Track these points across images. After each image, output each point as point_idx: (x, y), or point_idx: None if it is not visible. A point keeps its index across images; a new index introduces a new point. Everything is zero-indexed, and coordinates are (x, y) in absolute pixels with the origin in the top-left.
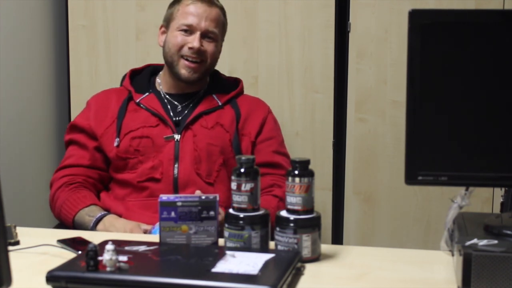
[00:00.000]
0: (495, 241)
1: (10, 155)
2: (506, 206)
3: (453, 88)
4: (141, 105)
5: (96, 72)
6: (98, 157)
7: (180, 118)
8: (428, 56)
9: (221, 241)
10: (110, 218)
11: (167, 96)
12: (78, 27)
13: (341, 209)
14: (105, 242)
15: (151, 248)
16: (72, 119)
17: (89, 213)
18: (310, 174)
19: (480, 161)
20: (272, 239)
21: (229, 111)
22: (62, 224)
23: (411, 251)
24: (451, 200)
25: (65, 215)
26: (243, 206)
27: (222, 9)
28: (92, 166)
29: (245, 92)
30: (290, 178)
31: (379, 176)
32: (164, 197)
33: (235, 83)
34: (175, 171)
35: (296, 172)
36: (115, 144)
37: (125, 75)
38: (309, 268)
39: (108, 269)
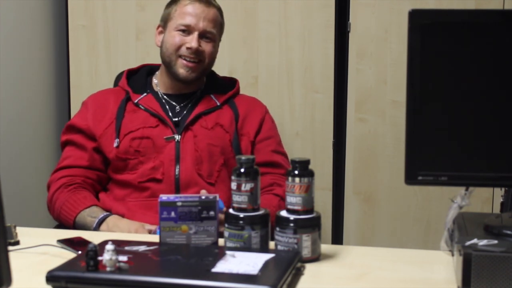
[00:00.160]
0: (495, 241)
1: (10, 155)
2: (506, 206)
3: (453, 88)
4: (140, 106)
5: (96, 72)
6: (96, 158)
7: (179, 118)
8: (428, 56)
9: (221, 241)
10: (114, 219)
11: (164, 97)
12: (78, 27)
13: (341, 209)
14: (105, 242)
15: (151, 248)
16: None
17: (91, 214)
18: (310, 174)
19: (480, 161)
20: (272, 239)
21: (227, 111)
22: (62, 225)
23: (411, 251)
24: (451, 200)
25: (65, 216)
26: (243, 206)
27: (219, 10)
28: (91, 167)
29: (246, 92)
30: (290, 178)
31: (379, 176)
32: (164, 197)
33: (231, 83)
34: (176, 172)
35: (296, 172)
36: (115, 144)
37: (119, 75)
38: (309, 268)
39: (108, 269)
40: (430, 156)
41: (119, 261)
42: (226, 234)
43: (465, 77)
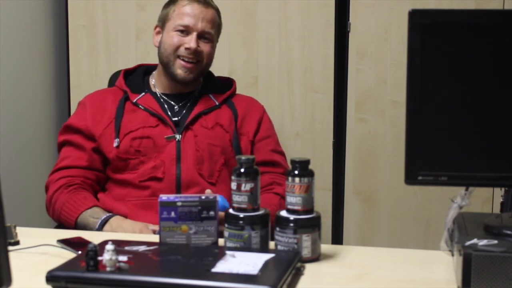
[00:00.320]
0: (495, 241)
1: (10, 155)
2: (506, 206)
3: (453, 88)
4: (139, 106)
5: (96, 72)
6: (96, 158)
7: (179, 118)
8: (428, 56)
9: (221, 241)
10: (117, 220)
11: (163, 96)
12: (78, 27)
13: (341, 209)
14: (105, 242)
15: (151, 248)
16: None
17: (93, 215)
18: (310, 174)
19: (480, 161)
20: (272, 239)
21: (226, 111)
22: (63, 225)
23: (411, 251)
24: (451, 200)
25: (66, 217)
26: (243, 206)
27: (217, 10)
28: (90, 167)
29: (246, 92)
30: (290, 178)
31: (379, 176)
32: (164, 197)
33: (228, 83)
34: (177, 171)
35: (296, 172)
36: (115, 144)
37: (113, 75)
38: (309, 268)
39: (108, 269)
40: (430, 156)
41: (119, 261)
42: (226, 234)
43: (465, 77)
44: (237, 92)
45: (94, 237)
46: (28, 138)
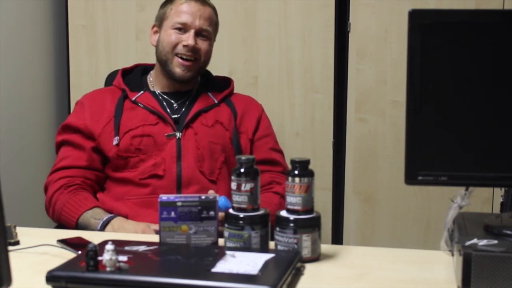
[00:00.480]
0: (495, 241)
1: (10, 155)
2: (506, 206)
3: (453, 88)
4: (139, 104)
5: (96, 72)
6: (95, 158)
7: (178, 116)
8: (428, 56)
9: (221, 241)
10: (119, 221)
11: (161, 94)
12: (78, 27)
13: (341, 209)
14: (105, 242)
15: (151, 248)
16: None
17: (94, 215)
18: (310, 174)
19: (480, 161)
20: (272, 239)
21: (225, 109)
22: (63, 225)
23: (411, 251)
24: (451, 200)
25: (67, 218)
26: (243, 206)
27: (214, 9)
28: (90, 167)
29: (246, 92)
30: (290, 178)
31: (379, 176)
32: (164, 197)
33: (226, 82)
34: (178, 169)
35: (296, 172)
36: (115, 142)
37: (110, 75)
38: (309, 268)
39: (108, 269)
40: (430, 156)
41: (119, 261)
42: (226, 234)
43: (465, 77)
44: (237, 91)
45: (94, 237)
46: (28, 138)
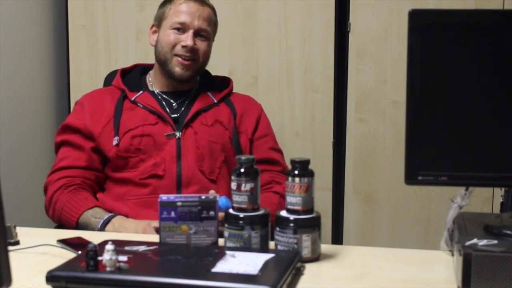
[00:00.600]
0: (495, 241)
1: (10, 155)
2: (506, 206)
3: (453, 88)
4: (138, 104)
5: (96, 72)
6: (95, 158)
7: (178, 115)
8: (428, 56)
9: (221, 241)
10: (119, 219)
11: (161, 94)
12: (78, 27)
13: (341, 209)
14: (105, 242)
15: (151, 248)
16: None
17: (95, 215)
18: (310, 174)
19: (480, 161)
20: (272, 239)
21: (224, 108)
22: (63, 225)
23: (411, 251)
24: (451, 200)
25: (67, 217)
26: (243, 206)
27: (213, 9)
28: (89, 167)
29: (246, 92)
30: (290, 178)
31: (379, 176)
32: (164, 197)
33: (225, 81)
34: (178, 169)
35: (296, 172)
36: (114, 142)
37: (109, 75)
38: (309, 268)
39: (108, 269)
40: (430, 156)
41: (119, 261)
42: (226, 234)
43: (465, 77)
44: (237, 91)
45: (94, 237)
46: (28, 138)
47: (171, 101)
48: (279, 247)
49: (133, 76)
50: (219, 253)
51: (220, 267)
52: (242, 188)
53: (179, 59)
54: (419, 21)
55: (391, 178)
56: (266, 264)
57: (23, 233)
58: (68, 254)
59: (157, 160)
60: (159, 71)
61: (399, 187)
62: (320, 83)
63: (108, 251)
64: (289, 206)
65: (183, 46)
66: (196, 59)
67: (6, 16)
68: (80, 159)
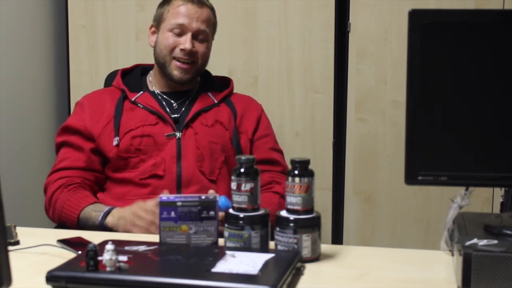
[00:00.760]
0: (495, 241)
1: (10, 155)
2: (506, 206)
3: (453, 88)
4: (138, 104)
5: (96, 72)
6: (94, 159)
7: (178, 115)
8: (428, 56)
9: (221, 241)
10: (118, 209)
11: (161, 94)
12: (78, 27)
13: (341, 209)
14: (105, 242)
15: (151, 248)
16: None
17: (95, 209)
18: (310, 174)
19: (480, 161)
20: (272, 239)
21: (225, 109)
22: (63, 225)
23: (411, 251)
24: (451, 200)
25: (68, 215)
26: (243, 206)
27: (212, 9)
28: (88, 168)
29: (246, 92)
30: (290, 178)
31: (379, 176)
32: (164, 197)
33: (225, 82)
34: (178, 169)
35: (296, 172)
36: (115, 143)
37: (110, 75)
38: (309, 268)
39: (108, 269)
40: (430, 156)
41: (119, 261)
42: (226, 234)
43: (465, 77)
44: (237, 91)
45: (94, 237)
46: (28, 138)
47: (172, 101)
48: (279, 247)
49: (134, 77)
50: (219, 253)
51: (220, 267)
52: (242, 188)
53: (178, 62)
54: (419, 21)
55: (391, 178)
56: (266, 264)
57: (23, 233)
58: (68, 254)
59: (157, 160)
60: (158, 72)
61: (399, 187)
62: (320, 83)
63: (108, 251)
64: (289, 206)
65: (181, 49)
66: (195, 61)
67: (6, 16)
68: (79, 160)
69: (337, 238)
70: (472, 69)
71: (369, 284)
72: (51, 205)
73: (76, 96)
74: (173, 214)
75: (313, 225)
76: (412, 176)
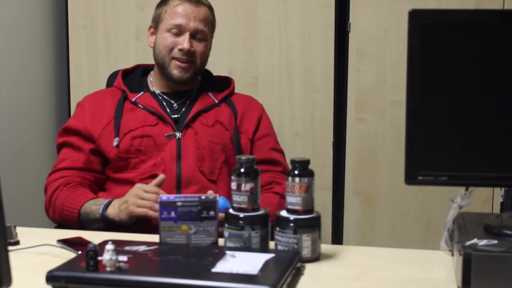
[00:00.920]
0: (495, 241)
1: (10, 155)
2: (506, 206)
3: (453, 88)
4: (138, 105)
5: (96, 72)
6: (93, 160)
7: (178, 115)
8: (428, 56)
9: (221, 241)
10: (118, 199)
11: (161, 95)
12: (78, 27)
13: (341, 209)
14: (105, 242)
15: (151, 248)
16: None
17: (95, 203)
18: (310, 174)
19: (480, 161)
20: (272, 239)
21: (225, 109)
22: (62, 225)
23: (411, 251)
24: (451, 200)
25: (68, 211)
26: (243, 206)
27: (210, 8)
28: (87, 168)
29: (246, 92)
30: (290, 178)
31: (379, 176)
32: (164, 197)
33: (226, 82)
34: (178, 169)
35: (296, 172)
36: (115, 144)
37: (112, 75)
38: (309, 268)
39: (108, 269)
40: (430, 156)
41: (119, 261)
42: (226, 234)
43: (465, 77)
44: (237, 91)
45: (94, 237)
46: (28, 138)
47: (172, 101)
48: (279, 247)
49: (134, 77)
50: (219, 253)
51: (220, 267)
52: (242, 188)
53: (177, 62)
54: (419, 21)
55: (391, 178)
56: (266, 264)
57: (23, 233)
58: (68, 254)
59: (157, 161)
60: (158, 72)
61: (399, 187)
62: (320, 83)
63: (108, 251)
64: (289, 206)
65: (180, 49)
66: (194, 61)
67: (6, 16)
68: (78, 160)
69: (337, 238)
70: (472, 69)
71: (369, 284)
72: (51, 204)
73: (76, 96)
74: (173, 214)
75: (313, 225)
76: (412, 176)
